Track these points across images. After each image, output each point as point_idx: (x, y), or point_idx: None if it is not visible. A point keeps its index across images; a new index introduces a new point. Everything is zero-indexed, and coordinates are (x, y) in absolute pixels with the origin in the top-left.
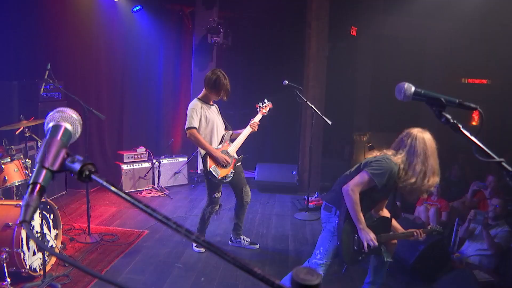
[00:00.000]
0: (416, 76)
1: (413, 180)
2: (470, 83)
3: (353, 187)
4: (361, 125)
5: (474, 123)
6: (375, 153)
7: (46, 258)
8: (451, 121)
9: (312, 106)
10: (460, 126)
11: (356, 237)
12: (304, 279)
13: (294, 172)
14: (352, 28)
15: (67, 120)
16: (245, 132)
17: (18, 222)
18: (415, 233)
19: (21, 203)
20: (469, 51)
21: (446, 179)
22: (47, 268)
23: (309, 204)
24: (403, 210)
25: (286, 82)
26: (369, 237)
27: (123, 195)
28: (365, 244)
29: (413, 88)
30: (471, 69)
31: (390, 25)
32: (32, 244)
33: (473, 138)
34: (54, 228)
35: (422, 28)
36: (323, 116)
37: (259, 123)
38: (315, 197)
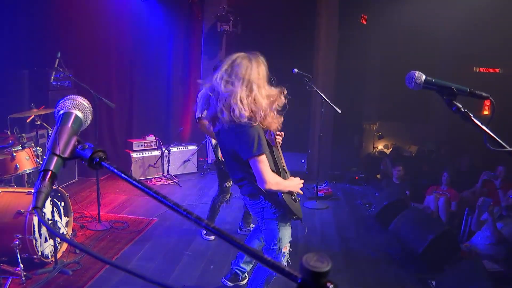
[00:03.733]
0: (427, 64)
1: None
2: (482, 72)
3: (266, 176)
4: (370, 114)
5: (485, 112)
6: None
7: (57, 245)
8: (462, 110)
9: (322, 95)
10: (471, 115)
11: (293, 197)
12: (314, 266)
13: (303, 161)
14: (362, 16)
15: (78, 107)
16: None
17: (30, 209)
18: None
19: (32, 191)
20: (481, 39)
21: (456, 169)
22: (58, 254)
23: (318, 192)
24: (413, 200)
25: (296, 70)
26: (297, 185)
27: (134, 181)
28: (300, 192)
29: (423, 77)
30: (483, 58)
31: (401, 13)
32: (43, 231)
33: (484, 127)
34: (64, 215)
35: (434, 16)
36: (333, 105)
37: None
38: (325, 186)
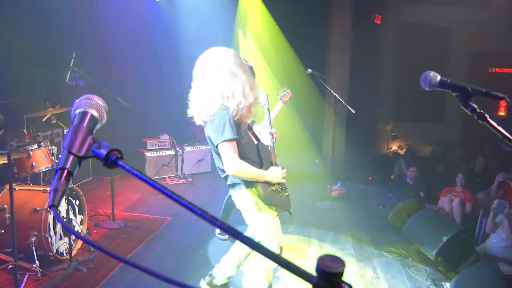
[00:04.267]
0: (441, 65)
1: (236, 101)
2: (498, 72)
3: (229, 161)
4: (384, 114)
5: (501, 113)
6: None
7: (72, 242)
8: (478, 110)
9: (336, 95)
10: (487, 115)
11: (273, 188)
12: (329, 266)
13: (317, 161)
14: (376, 16)
15: (94, 107)
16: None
17: (46, 207)
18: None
19: (48, 189)
20: (497, 39)
21: (471, 170)
22: (73, 252)
23: (331, 193)
24: (427, 201)
25: (310, 70)
26: (275, 176)
27: (149, 180)
28: (282, 181)
29: (438, 77)
30: (498, 58)
31: (415, 13)
32: (59, 229)
33: (500, 128)
34: (79, 213)
35: (448, 16)
36: (347, 105)
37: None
38: (338, 186)
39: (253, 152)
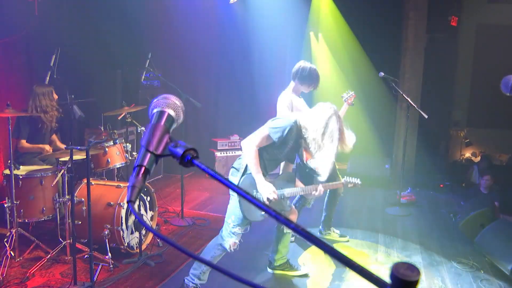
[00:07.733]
0: None
1: (313, 135)
2: None
3: (251, 139)
4: (458, 120)
5: None
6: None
7: (142, 237)
8: None
9: (408, 99)
10: None
11: (255, 192)
12: (404, 274)
13: (387, 166)
14: (452, 18)
15: (171, 106)
16: None
17: (119, 202)
18: (313, 191)
19: (121, 185)
20: None
21: None
22: (143, 247)
23: (401, 199)
24: (503, 212)
25: (382, 74)
26: (268, 190)
27: (225, 180)
28: (265, 198)
29: None
30: None
31: (495, 13)
32: (130, 223)
33: None
34: (150, 209)
35: None
36: (419, 110)
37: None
38: (408, 192)
39: (274, 166)
